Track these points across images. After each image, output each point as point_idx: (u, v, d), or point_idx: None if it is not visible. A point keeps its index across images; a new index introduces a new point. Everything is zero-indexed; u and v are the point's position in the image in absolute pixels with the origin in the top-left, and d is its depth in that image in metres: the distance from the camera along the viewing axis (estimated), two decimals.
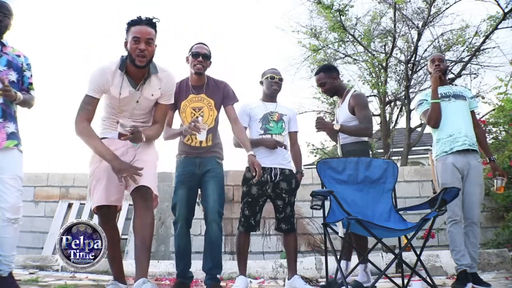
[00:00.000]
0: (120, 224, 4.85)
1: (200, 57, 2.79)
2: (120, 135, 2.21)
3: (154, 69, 2.35)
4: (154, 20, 2.26)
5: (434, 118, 2.96)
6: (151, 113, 2.50)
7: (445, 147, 2.92)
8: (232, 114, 2.85)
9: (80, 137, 2.26)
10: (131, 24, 2.25)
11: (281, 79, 3.10)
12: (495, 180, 3.01)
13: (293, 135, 3.14)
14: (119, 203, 2.41)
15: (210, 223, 2.70)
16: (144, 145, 2.39)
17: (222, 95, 2.86)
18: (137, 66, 2.24)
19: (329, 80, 3.15)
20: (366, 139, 3.12)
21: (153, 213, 2.29)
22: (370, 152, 2.98)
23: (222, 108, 2.89)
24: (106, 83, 2.27)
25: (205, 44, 2.89)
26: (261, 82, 3.14)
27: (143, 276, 2.07)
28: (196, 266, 2.89)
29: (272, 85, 3.06)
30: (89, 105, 2.28)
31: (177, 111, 2.88)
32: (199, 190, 2.85)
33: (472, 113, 3.06)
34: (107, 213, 2.38)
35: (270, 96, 3.10)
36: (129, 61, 2.27)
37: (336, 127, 3.00)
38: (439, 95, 2.99)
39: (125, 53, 2.30)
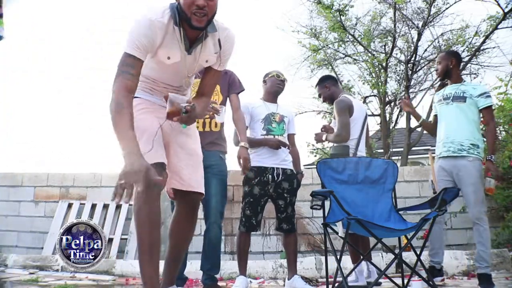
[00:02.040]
0: (120, 224, 4.86)
1: None
2: (170, 115, 1.66)
3: (212, 28, 1.74)
4: None
5: (428, 132, 3.30)
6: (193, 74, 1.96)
7: (437, 151, 3.08)
8: (234, 103, 2.84)
9: (110, 111, 1.59)
10: None
11: (285, 80, 3.15)
12: (487, 180, 2.97)
13: (291, 137, 3.16)
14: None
15: (212, 224, 2.69)
16: (194, 125, 1.98)
17: (228, 82, 2.83)
18: (193, 27, 1.64)
19: (322, 90, 3.34)
20: (346, 143, 3.09)
21: (195, 225, 2.01)
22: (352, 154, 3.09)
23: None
24: (154, 40, 1.66)
25: None
26: (265, 81, 3.15)
27: (172, 285, 2.00)
28: (196, 267, 2.90)
29: (277, 83, 3.09)
30: (131, 68, 1.62)
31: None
32: None
33: (484, 110, 2.97)
34: (160, 172, 1.68)
35: (273, 95, 3.11)
36: (183, 19, 1.67)
37: (324, 137, 3.25)
38: (444, 96, 3.09)
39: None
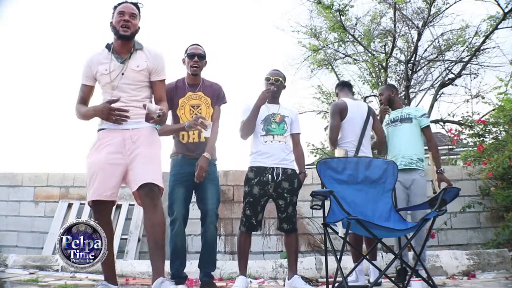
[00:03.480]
0: (120, 224, 4.86)
1: (196, 58, 2.95)
2: (148, 118, 2.21)
3: (139, 45, 2.46)
4: (138, 4, 2.47)
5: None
6: (142, 89, 2.47)
7: None
8: (216, 114, 3.00)
9: (78, 116, 2.44)
10: (117, 5, 2.43)
11: (277, 80, 3.08)
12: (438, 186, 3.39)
13: (295, 137, 3.15)
14: (114, 198, 2.35)
15: (209, 225, 2.85)
16: (145, 134, 2.37)
17: (217, 95, 3.03)
18: (121, 36, 2.36)
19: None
20: (344, 146, 3.22)
21: (162, 211, 2.27)
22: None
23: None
24: (95, 65, 2.40)
25: (199, 45, 3.04)
26: (264, 84, 3.15)
27: (160, 276, 2.15)
28: (196, 267, 2.90)
29: (268, 87, 3.05)
30: (84, 93, 2.45)
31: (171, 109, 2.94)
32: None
33: (425, 129, 3.49)
34: (100, 208, 2.33)
35: (273, 97, 3.09)
36: (114, 36, 2.41)
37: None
38: (391, 120, 3.56)
39: (111, 42, 2.46)
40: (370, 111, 3.34)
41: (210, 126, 2.73)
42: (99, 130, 2.39)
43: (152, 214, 2.22)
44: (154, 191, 2.25)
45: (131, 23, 2.37)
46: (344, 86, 3.58)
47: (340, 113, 3.24)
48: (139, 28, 2.45)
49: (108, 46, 2.44)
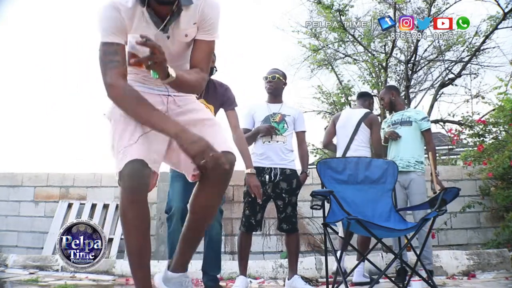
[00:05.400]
0: (120, 224, 4.85)
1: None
2: (132, 56, 1.41)
3: (187, 0, 1.59)
4: None
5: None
6: (186, 56, 1.72)
7: None
8: (232, 121, 2.75)
9: (122, 103, 1.52)
10: None
11: (274, 77, 3.05)
12: (434, 186, 3.43)
13: (300, 135, 3.13)
14: (156, 169, 1.59)
15: (213, 222, 2.65)
16: (194, 102, 1.76)
17: (222, 100, 2.75)
18: (161, 1, 1.54)
19: None
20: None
21: (222, 196, 1.76)
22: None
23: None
24: (122, 22, 1.52)
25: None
26: None
27: (183, 270, 1.74)
28: (196, 266, 2.90)
29: (266, 86, 3.08)
30: (114, 55, 1.52)
31: None
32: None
33: (425, 132, 3.49)
34: (142, 174, 1.47)
35: (271, 96, 3.10)
36: None
37: None
38: (392, 122, 3.60)
39: None
40: (364, 118, 3.39)
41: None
42: None
43: (215, 194, 1.65)
44: (232, 161, 1.60)
45: None
46: (359, 98, 3.79)
47: (333, 120, 3.62)
48: None
49: (141, 0, 1.53)
